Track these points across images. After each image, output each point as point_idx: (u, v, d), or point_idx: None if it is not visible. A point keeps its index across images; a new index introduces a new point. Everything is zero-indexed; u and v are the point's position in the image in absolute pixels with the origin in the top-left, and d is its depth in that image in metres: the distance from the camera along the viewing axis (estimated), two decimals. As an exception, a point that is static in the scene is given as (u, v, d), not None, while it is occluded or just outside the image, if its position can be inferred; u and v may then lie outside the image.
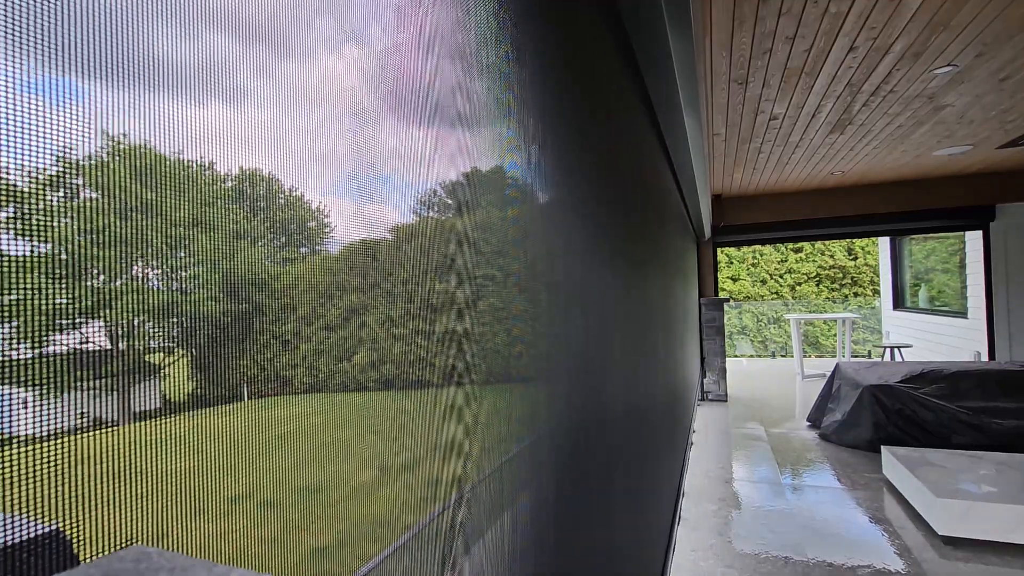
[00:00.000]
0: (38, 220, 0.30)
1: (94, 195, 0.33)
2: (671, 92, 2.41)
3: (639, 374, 1.98)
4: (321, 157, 0.48)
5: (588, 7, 1.37)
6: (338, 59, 0.48)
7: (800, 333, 9.21)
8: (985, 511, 3.09)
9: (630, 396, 1.76)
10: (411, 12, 0.59)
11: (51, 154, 0.29)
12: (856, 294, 15.82)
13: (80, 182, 0.32)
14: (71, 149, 0.30)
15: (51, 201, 0.31)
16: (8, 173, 0.28)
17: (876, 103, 3.70)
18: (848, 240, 15.65)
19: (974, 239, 7.29)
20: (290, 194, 0.50)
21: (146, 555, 0.29)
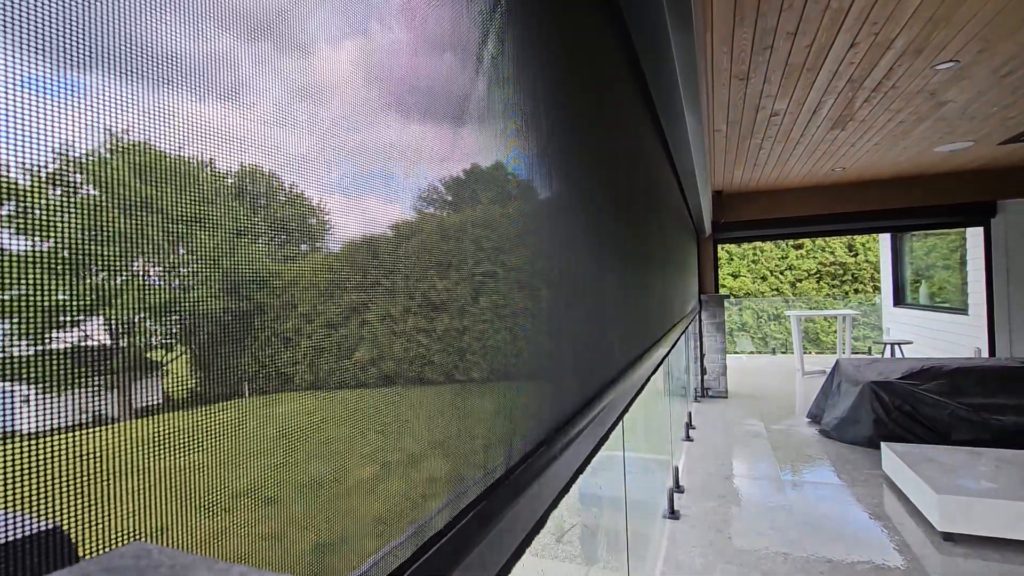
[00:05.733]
0: (38, 217, 0.30)
1: (94, 192, 0.33)
2: (672, 88, 2.40)
3: (636, 369, 1.98)
4: (321, 154, 0.48)
5: (589, 4, 1.36)
6: (339, 55, 0.47)
7: (800, 330, 9.21)
8: (985, 507, 3.09)
9: (627, 390, 1.76)
10: (411, 8, 0.59)
11: (51, 150, 0.29)
12: (856, 291, 15.82)
13: (80, 179, 0.32)
14: (71, 145, 0.30)
15: (51, 198, 0.31)
16: (8, 170, 0.28)
17: (877, 99, 3.69)
18: (849, 236, 15.63)
19: (975, 235, 7.28)
20: (290, 191, 0.49)
21: (146, 552, 0.29)
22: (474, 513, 0.65)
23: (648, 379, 2.13)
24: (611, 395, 1.41)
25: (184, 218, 0.39)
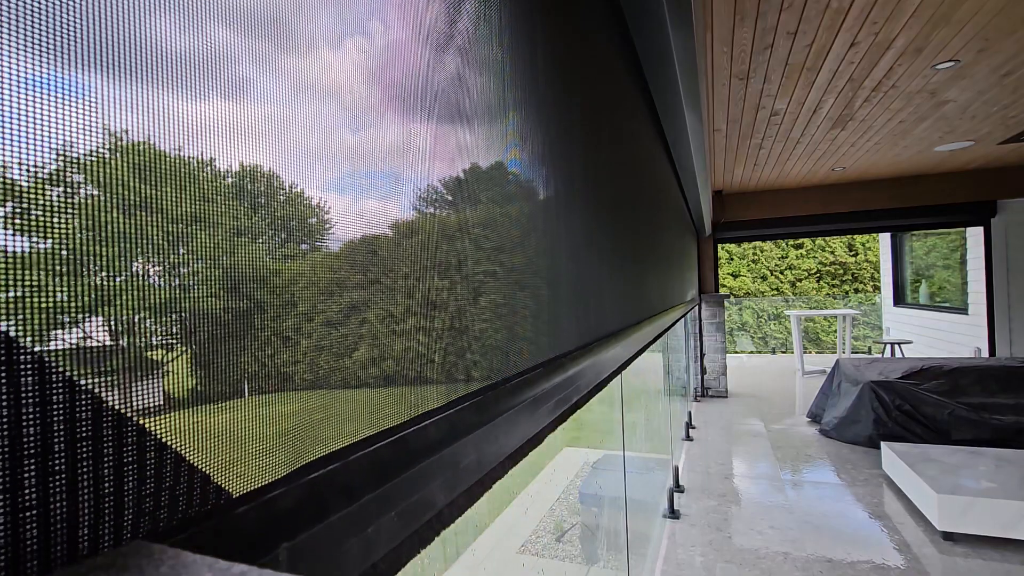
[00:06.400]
0: (38, 217, 0.30)
1: (94, 192, 0.33)
2: (672, 87, 2.40)
3: (633, 332, 2.01)
4: (321, 153, 0.48)
5: (590, 4, 1.36)
6: (339, 54, 0.47)
7: (800, 329, 9.21)
8: (984, 506, 3.10)
9: (626, 347, 1.79)
10: (412, 7, 0.59)
11: (51, 150, 0.29)
12: (856, 290, 15.82)
13: (80, 179, 0.32)
14: (71, 145, 0.30)
15: (51, 198, 0.31)
16: (8, 169, 0.28)
17: (878, 99, 3.69)
18: (849, 236, 15.63)
19: (975, 235, 7.28)
20: (290, 190, 0.49)
21: (147, 551, 0.29)
22: (471, 403, 0.67)
23: (647, 346, 2.16)
24: (610, 349, 1.44)
25: (184, 218, 0.39)
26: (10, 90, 0.26)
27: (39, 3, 0.27)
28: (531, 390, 0.87)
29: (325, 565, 0.42)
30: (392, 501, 0.50)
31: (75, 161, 0.31)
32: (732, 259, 16.68)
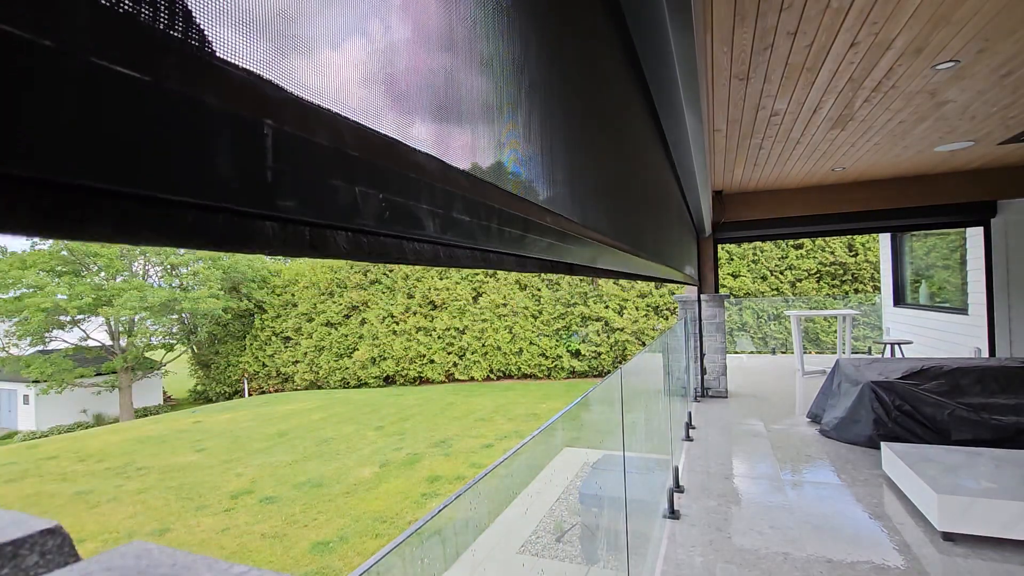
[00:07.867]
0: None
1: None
2: (672, 87, 2.40)
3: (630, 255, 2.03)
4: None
5: (590, 4, 1.36)
6: (339, 53, 0.47)
7: (800, 329, 9.21)
8: (984, 507, 3.10)
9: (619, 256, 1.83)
10: (412, 5, 0.59)
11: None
12: (856, 290, 15.81)
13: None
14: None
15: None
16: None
17: (878, 99, 3.69)
18: (849, 236, 15.62)
19: (975, 235, 7.28)
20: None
21: (147, 551, 0.29)
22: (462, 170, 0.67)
23: (643, 277, 2.18)
24: (605, 248, 1.48)
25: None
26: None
27: None
28: (528, 217, 0.87)
29: (311, 184, 0.38)
30: (379, 181, 0.46)
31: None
32: (732, 259, 16.66)
